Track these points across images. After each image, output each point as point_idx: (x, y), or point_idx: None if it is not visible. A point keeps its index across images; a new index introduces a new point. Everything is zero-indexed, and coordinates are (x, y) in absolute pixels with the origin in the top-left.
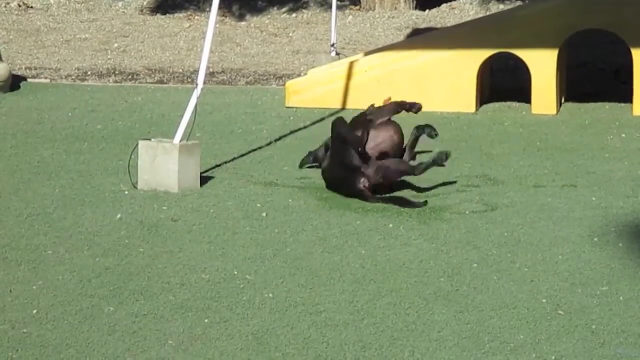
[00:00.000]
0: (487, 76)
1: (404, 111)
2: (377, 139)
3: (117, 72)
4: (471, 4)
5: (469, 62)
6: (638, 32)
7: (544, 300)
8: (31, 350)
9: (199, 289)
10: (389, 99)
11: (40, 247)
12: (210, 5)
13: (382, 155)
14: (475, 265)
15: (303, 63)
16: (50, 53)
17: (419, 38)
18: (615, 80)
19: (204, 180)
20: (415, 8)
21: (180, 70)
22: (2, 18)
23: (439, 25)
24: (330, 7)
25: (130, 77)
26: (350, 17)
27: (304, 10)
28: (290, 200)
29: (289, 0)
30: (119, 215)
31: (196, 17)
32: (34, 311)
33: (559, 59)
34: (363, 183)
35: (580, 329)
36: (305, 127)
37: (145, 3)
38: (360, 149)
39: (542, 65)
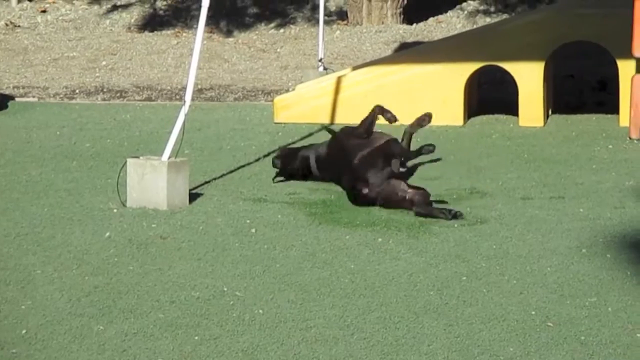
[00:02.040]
0: (475, 89)
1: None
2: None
3: (105, 90)
4: (458, 17)
5: (456, 75)
6: (624, 44)
7: (533, 313)
8: None
9: (189, 307)
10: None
11: (29, 267)
12: (198, 21)
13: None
14: (464, 278)
15: (291, 78)
16: (38, 72)
17: (407, 52)
18: (601, 92)
19: (192, 197)
20: (403, 22)
21: (169, 87)
22: None
23: (426, 39)
24: (318, 22)
25: (118, 94)
26: (338, 32)
27: (291, 26)
28: (279, 216)
29: (277, 16)
30: (108, 234)
31: (184, 34)
32: (23, 331)
33: (545, 71)
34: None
35: (569, 340)
36: (294, 143)
37: (132, 20)
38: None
39: (529, 77)
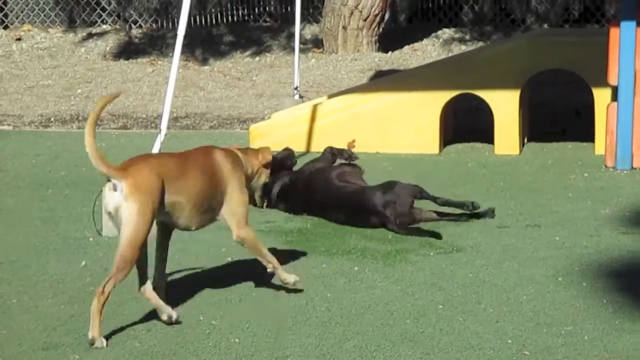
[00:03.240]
0: (450, 117)
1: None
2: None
3: (80, 118)
4: (433, 45)
5: (432, 103)
6: (599, 72)
7: (509, 341)
8: None
9: (165, 335)
10: (353, 141)
11: (4, 296)
12: (173, 49)
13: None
14: (440, 306)
15: (267, 106)
16: (13, 100)
17: (382, 80)
18: (577, 120)
19: None
20: (378, 50)
21: (144, 116)
22: None
23: (401, 67)
24: (293, 50)
25: None
26: (314, 60)
27: (267, 54)
28: None
29: (252, 44)
30: (83, 262)
31: (159, 62)
32: None
33: (521, 99)
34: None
35: None
36: None
37: (108, 48)
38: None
39: (505, 105)
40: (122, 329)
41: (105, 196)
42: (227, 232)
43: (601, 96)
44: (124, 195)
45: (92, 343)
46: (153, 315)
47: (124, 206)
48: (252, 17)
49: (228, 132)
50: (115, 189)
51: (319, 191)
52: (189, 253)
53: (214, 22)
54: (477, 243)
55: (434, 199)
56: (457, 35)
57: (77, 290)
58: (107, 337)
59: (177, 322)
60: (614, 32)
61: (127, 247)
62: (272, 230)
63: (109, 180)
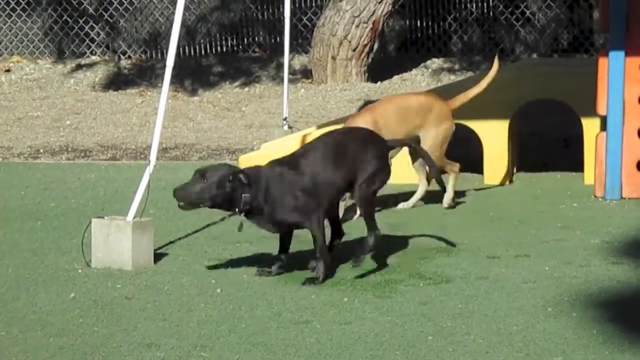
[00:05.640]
0: None
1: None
2: None
3: (69, 150)
4: (422, 75)
5: None
6: (587, 102)
7: None
8: None
9: None
10: None
11: None
12: (162, 80)
13: None
14: (430, 337)
15: (256, 137)
16: (1, 131)
17: None
18: (565, 150)
19: (158, 257)
20: (367, 80)
21: (133, 147)
22: None
23: None
24: (282, 80)
25: (82, 154)
26: (303, 90)
27: (256, 85)
28: (245, 275)
29: (241, 75)
30: (72, 294)
31: (148, 93)
32: None
33: (510, 130)
34: None
35: None
36: None
37: (97, 80)
38: None
39: (494, 136)
40: None
41: None
42: (217, 262)
43: (590, 126)
44: None
45: None
46: (142, 347)
47: None
48: (241, 47)
49: (217, 163)
50: None
51: None
52: (178, 284)
53: (202, 52)
54: (467, 273)
55: None
56: (446, 65)
57: (66, 322)
58: None
59: None
60: (602, 62)
61: None
62: (261, 261)
63: None
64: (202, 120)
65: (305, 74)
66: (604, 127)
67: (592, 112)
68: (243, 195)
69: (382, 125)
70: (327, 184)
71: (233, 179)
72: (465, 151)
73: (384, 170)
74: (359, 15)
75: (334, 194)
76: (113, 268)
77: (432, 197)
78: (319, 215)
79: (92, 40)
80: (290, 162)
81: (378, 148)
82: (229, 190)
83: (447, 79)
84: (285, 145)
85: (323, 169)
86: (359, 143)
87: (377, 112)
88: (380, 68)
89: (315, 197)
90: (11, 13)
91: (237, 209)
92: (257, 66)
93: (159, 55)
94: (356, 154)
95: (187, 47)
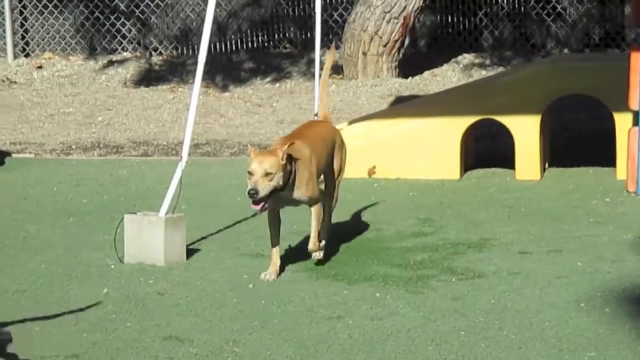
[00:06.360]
0: (471, 143)
1: None
2: None
3: (101, 146)
4: (453, 70)
5: (452, 129)
6: (619, 97)
7: None
8: None
9: None
10: (374, 167)
11: (27, 323)
12: (194, 77)
13: None
14: (462, 333)
15: (287, 133)
16: (34, 128)
17: (403, 106)
18: (598, 145)
19: (190, 252)
20: (398, 76)
21: (165, 143)
22: None
23: (422, 93)
24: (313, 76)
25: (114, 150)
26: (334, 85)
27: (287, 80)
28: None
29: (272, 71)
30: (105, 290)
31: (180, 89)
32: None
33: (542, 125)
34: None
35: None
36: None
37: (128, 76)
38: None
39: (526, 131)
40: (143, 357)
41: None
42: (249, 258)
43: (622, 121)
44: None
45: None
46: (175, 343)
47: None
48: (272, 43)
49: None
50: None
51: None
52: (210, 280)
53: (234, 48)
54: (499, 269)
55: None
56: (477, 61)
57: (99, 317)
58: None
59: None
60: (634, 57)
61: None
62: (291, 256)
63: None
64: (234, 116)
65: (336, 69)
66: (636, 121)
67: (624, 106)
68: None
69: None
70: None
71: None
72: (496, 146)
73: None
74: (389, 11)
75: None
76: (145, 264)
77: (464, 193)
78: None
79: (124, 37)
80: None
81: None
82: None
83: (478, 74)
84: None
85: None
86: None
87: None
88: (411, 64)
89: None
90: (43, 10)
91: None
92: (288, 62)
93: (190, 51)
94: None
95: (218, 44)
